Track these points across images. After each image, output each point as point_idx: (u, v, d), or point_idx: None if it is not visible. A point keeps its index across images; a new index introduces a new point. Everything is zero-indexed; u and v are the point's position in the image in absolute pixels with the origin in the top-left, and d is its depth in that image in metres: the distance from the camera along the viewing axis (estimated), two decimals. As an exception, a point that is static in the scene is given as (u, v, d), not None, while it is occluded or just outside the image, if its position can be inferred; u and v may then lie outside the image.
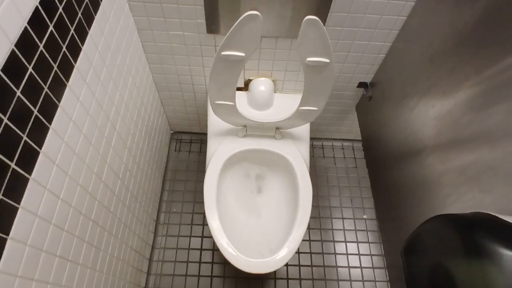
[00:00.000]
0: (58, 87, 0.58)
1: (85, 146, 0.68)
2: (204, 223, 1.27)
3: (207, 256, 1.21)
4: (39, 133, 0.53)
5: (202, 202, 0.92)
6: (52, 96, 0.56)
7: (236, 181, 1.11)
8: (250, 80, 1.15)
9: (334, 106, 1.30)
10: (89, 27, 0.68)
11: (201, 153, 1.43)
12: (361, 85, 1.17)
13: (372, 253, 1.25)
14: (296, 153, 1.07)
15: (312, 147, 1.47)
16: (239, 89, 1.17)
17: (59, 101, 0.58)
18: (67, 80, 0.60)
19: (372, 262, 1.23)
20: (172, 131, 1.47)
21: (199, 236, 1.24)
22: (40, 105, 0.52)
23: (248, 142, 1.08)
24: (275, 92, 1.20)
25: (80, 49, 0.65)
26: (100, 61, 0.73)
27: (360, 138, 1.49)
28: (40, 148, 0.53)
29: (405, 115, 0.94)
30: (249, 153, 1.08)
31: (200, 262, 1.20)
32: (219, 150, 1.06)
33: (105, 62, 0.76)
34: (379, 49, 1.03)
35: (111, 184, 0.82)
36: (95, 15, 0.70)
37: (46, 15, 0.53)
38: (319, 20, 0.72)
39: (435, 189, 0.80)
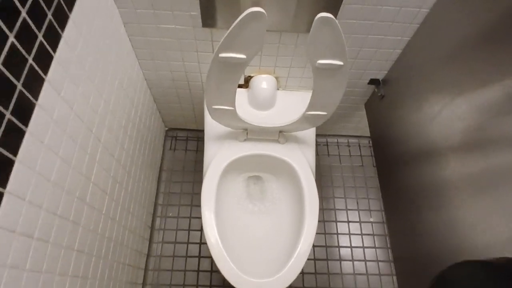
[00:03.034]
0: (25, 110, 0.48)
1: (63, 171, 0.59)
2: (202, 229, 1.20)
3: (205, 264, 1.15)
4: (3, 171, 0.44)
5: (200, 206, 0.85)
6: (17, 122, 0.46)
7: (236, 190, 1.03)
8: (251, 77, 1.05)
9: (342, 103, 1.20)
10: (63, 29, 0.57)
11: (198, 151, 1.34)
12: (373, 81, 1.07)
13: (378, 259, 1.19)
14: (301, 159, 0.98)
15: (316, 144, 1.38)
16: (238, 86, 1.07)
17: (26, 126, 0.48)
18: (36, 98, 0.51)
19: (379, 269, 1.18)
20: (166, 128, 1.37)
21: (197, 243, 1.18)
22: (3, 131, 0.43)
23: (249, 147, 0.99)
24: (278, 89, 1.10)
25: (51, 58, 0.54)
26: (79, 67, 0.63)
27: (367, 135, 1.40)
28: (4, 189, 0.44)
29: (421, 115, 0.87)
30: (250, 158, 0.99)
31: (198, 271, 1.14)
32: (218, 157, 0.97)
33: (85, 67, 0.65)
34: (395, 44, 0.92)
35: (97, 204, 0.74)
36: (70, 13, 0.59)
37: (5, 25, 0.43)
38: (333, 18, 0.62)
39: (452, 196, 0.73)
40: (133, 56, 0.94)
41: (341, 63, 0.70)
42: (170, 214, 1.22)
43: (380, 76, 1.05)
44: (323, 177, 1.32)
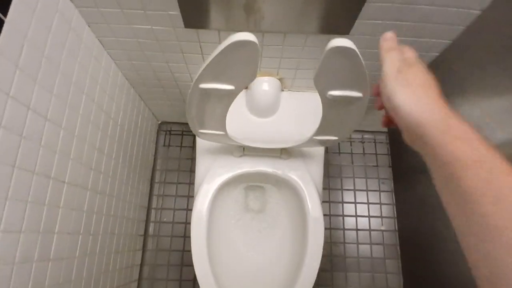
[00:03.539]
0: None
1: (19, 215, 0.49)
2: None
3: (202, 274, 1.09)
4: None
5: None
6: None
7: (231, 214, 0.93)
8: (249, 78, 0.88)
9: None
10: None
11: (194, 148, 1.21)
12: (397, 83, 0.88)
13: (387, 271, 1.11)
14: (307, 178, 0.85)
15: (325, 139, 1.24)
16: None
17: None
18: None
19: (387, 282, 1.10)
20: (159, 122, 1.23)
21: (193, 251, 1.11)
22: None
23: (246, 163, 0.86)
24: (283, 90, 0.93)
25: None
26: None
27: (383, 129, 1.25)
28: None
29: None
30: (247, 176, 0.87)
31: (194, 280, 1.09)
32: (210, 175, 0.85)
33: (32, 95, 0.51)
34: (430, 47, 0.73)
35: (68, 245, 0.64)
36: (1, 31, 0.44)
37: None
38: (354, 48, 0.45)
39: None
40: (107, 57, 0.78)
41: (359, 95, 0.54)
42: (165, 219, 1.14)
43: (406, 78, 0.86)
44: (332, 179, 1.19)
